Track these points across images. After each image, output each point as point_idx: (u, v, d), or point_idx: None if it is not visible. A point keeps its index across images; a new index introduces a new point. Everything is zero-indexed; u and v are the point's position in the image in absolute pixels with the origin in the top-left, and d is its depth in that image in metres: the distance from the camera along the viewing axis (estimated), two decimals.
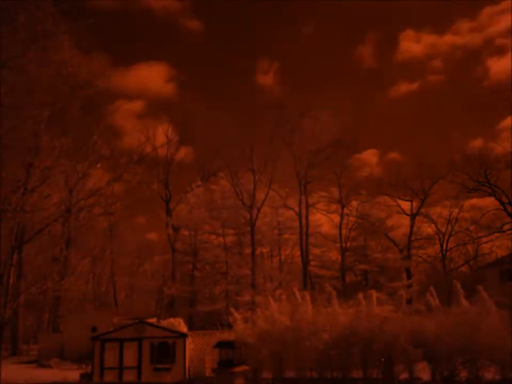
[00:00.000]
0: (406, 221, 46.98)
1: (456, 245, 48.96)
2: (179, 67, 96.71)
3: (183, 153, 49.14)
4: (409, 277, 43.61)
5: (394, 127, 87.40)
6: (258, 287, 38.69)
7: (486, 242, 46.69)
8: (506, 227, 42.60)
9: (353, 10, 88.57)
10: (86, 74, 19.45)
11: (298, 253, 44.08)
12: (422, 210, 45.95)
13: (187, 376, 18.09)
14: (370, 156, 74.85)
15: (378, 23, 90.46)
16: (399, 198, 47.23)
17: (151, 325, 19.40)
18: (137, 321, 19.55)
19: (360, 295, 17.75)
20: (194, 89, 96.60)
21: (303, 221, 42.42)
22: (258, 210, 41.69)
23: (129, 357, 18.06)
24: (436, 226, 47.88)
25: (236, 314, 19.16)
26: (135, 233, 63.98)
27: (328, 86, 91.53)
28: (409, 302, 22.34)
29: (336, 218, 45.06)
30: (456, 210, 46.20)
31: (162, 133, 47.07)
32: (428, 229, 48.62)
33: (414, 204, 47.26)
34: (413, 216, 46.58)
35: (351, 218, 45.15)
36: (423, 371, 15.75)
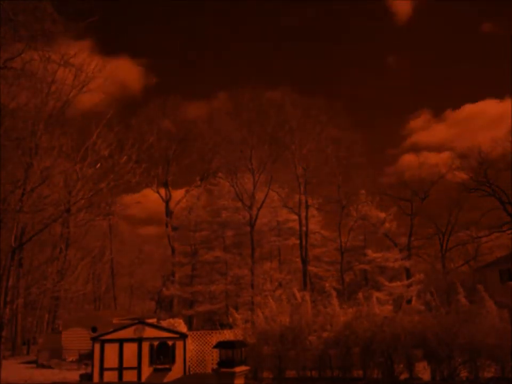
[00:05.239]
0: (406, 220, 47.07)
1: (456, 245, 49.03)
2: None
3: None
4: (409, 277, 43.61)
5: None
6: (258, 287, 38.69)
7: (486, 242, 46.75)
8: (506, 227, 42.61)
9: None
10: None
11: (298, 253, 44.07)
12: (422, 210, 46.03)
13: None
14: None
15: None
16: (399, 198, 47.35)
17: (151, 325, 19.37)
18: (137, 321, 19.53)
19: (360, 295, 17.72)
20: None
21: (303, 221, 42.40)
22: (258, 210, 41.67)
23: (129, 358, 18.05)
24: (436, 226, 47.96)
25: (236, 315, 19.16)
26: (135, 234, 64.21)
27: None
28: (409, 302, 22.29)
29: (336, 218, 45.08)
30: (456, 210, 46.27)
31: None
32: (428, 229, 48.73)
33: (414, 204, 47.39)
34: (413, 216, 46.66)
35: (350, 218, 45.14)
36: (423, 371, 15.73)
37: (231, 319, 19.31)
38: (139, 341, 18.21)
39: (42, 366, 26.27)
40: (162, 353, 18.17)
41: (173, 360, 18.10)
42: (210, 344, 18.73)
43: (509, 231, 42.18)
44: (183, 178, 48.75)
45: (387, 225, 44.49)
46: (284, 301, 18.71)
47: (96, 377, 17.92)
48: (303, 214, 42.51)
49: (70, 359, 27.14)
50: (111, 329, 19.15)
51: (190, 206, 45.79)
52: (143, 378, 17.92)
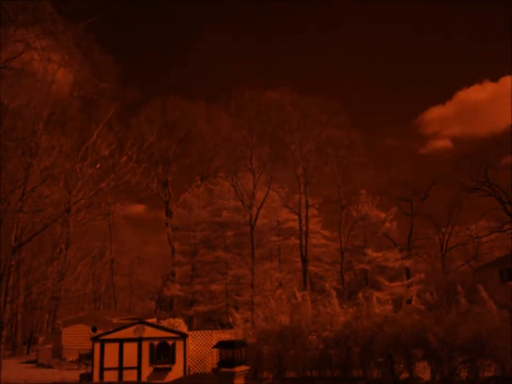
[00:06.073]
0: (406, 220, 47.08)
1: (456, 245, 49.07)
2: None
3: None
4: (409, 277, 43.61)
5: None
6: (258, 287, 38.67)
7: (486, 242, 46.79)
8: (506, 227, 42.64)
9: None
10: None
11: (298, 252, 44.07)
12: (422, 210, 46.04)
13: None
14: None
15: None
16: (399, 198, 47.36)
17: (151, 325, 19.40)
18: (137, 321, 19.54)
19: (360, 295, 17.73)
20: None
21: (303, 221, 42.39)
22: (258, 210, 41.66)
23: (129, 357, 18.06)
24: (436, 226, 47.98)
25: (236, 314, 19.17)
26: (135, 233, 64.21)
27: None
28: (409, 302, 22.30)
29: (336, 218, 45.03)
30: (456, 210, 46.30)
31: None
32: (428, 229, 48.76)
33: (414, 204, 47.41)
34: (413, 216, 46.67)
35: (350, 218, 45.11)
36: (423, 371, 15.73)
37: (231, 319, 19.33)
38: (139, 340, 18.22)
39: (43, 366, 26.29)
40: (163, 353, 18.18)
41: (173, 360, 18.12)
42: (210, 344, 18.74)
43: (509, 231, 42.18)
44: (183, 178, 49.11)
45: (387, 225, 44.46)
46: (284, 300, 18.74)
47: (96, 377, 17.94)
48: (303, 214, 42.50)
49: (70, 358, 27.16)
50: (111, 329, 19.18)
51: (190, 206, 45.76)
52: (143, 378, 17.94)
